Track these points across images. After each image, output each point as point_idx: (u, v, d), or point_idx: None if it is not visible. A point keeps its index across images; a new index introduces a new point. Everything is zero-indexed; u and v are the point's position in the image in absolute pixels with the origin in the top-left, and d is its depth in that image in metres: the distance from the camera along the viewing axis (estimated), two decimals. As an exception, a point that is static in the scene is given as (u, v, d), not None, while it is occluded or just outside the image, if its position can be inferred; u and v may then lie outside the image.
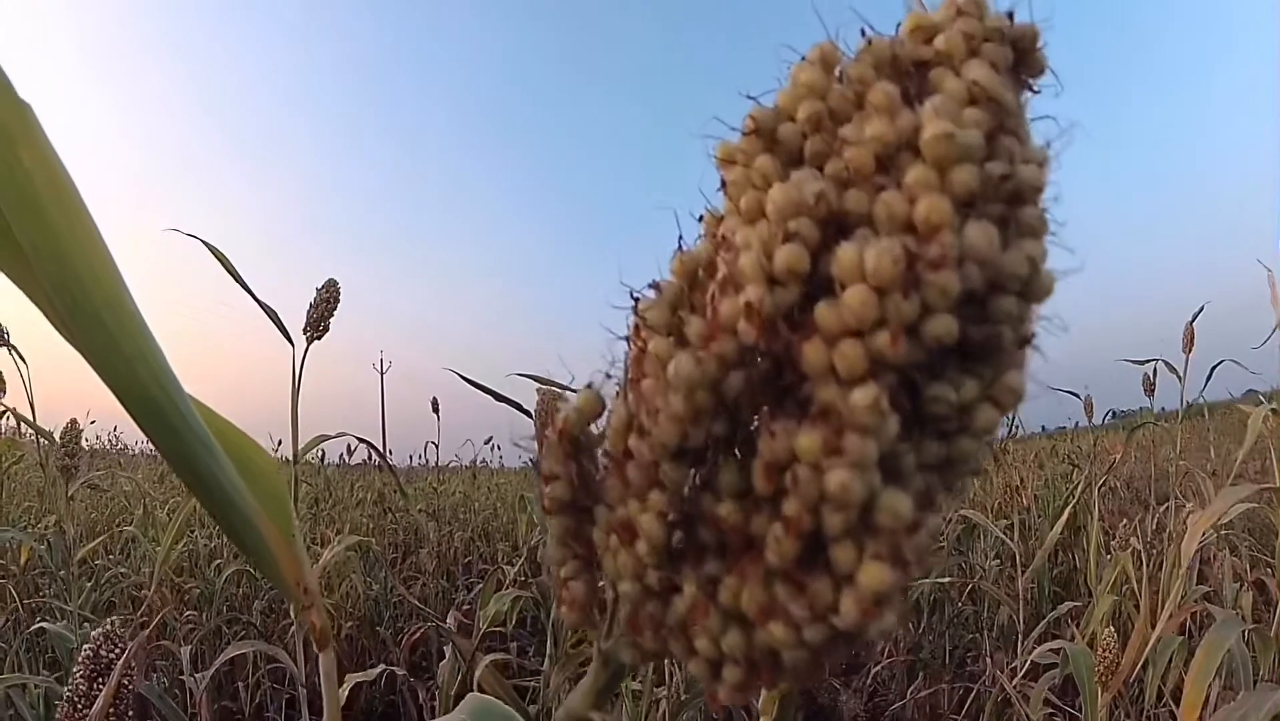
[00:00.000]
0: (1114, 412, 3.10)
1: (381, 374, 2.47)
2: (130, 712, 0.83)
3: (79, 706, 0.79)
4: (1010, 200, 0.17)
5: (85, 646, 0.82)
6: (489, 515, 3.44)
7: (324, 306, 1.81)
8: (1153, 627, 1.71)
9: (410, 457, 4.47)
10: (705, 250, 0.20)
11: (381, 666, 1.87)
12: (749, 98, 0.20)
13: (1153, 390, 2.57)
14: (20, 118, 0.29)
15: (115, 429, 5.35)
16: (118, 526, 2.71)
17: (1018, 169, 0.18)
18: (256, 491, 0.37)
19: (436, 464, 3.26)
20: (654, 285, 0.20)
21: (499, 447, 4.65)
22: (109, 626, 0.85)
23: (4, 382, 3.06)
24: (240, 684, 2.37)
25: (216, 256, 1.70)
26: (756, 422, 0.17)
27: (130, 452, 5.39)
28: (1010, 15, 0.20)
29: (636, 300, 0.20)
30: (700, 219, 0.22)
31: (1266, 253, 1.81)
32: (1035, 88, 0.20)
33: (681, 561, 0.18)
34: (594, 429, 0.20)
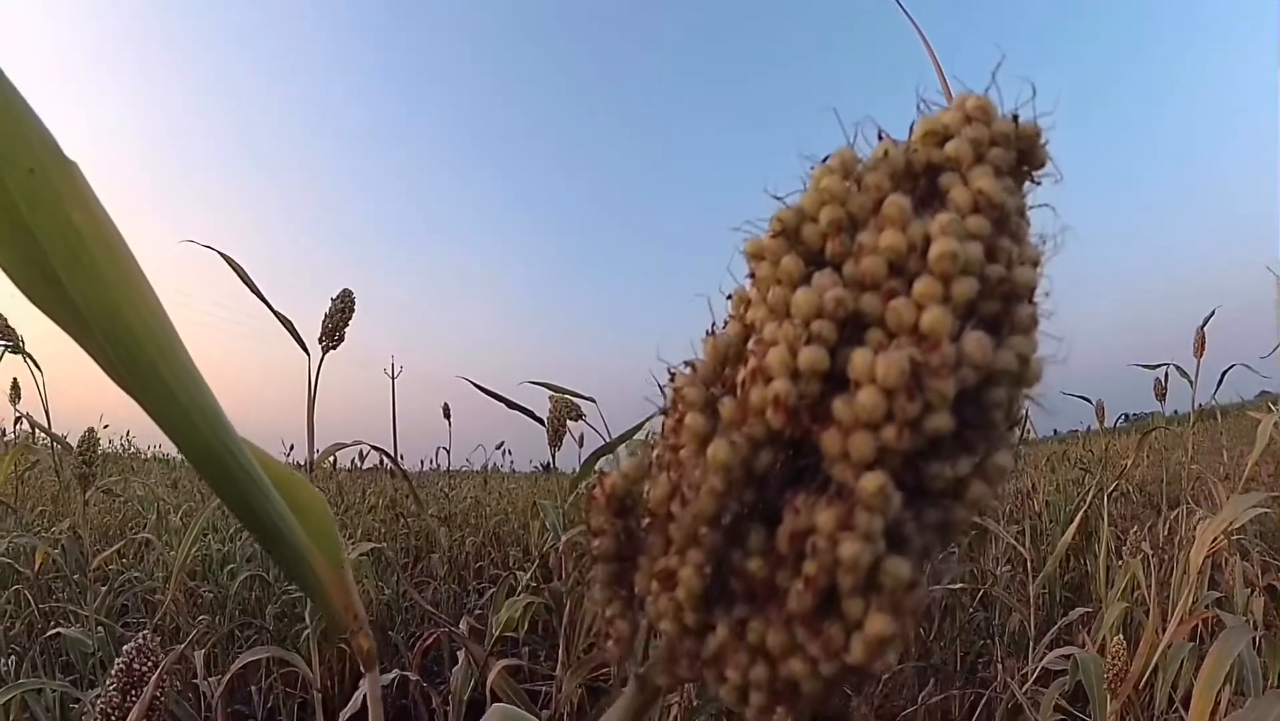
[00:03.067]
0: (1126, 416, 3.12)
1: (393, 379, 2.49)
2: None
3: (112, 717, 0.81)
4: (1006, 299, 0.21)
5: (118, 660, 0.83)
6: (500, 520, 3.48)
7: (339, 316, 1.85)
8: (1162, 634, 1.74)
9: (422, 462, 4.52)
10: (733, 331, 0.23)
11: (395, 672, 1.91)
12: (775, 198, 0.23)
13: (1164, 394, 2.58)
14: (68, 177, 0.31)
15: (128, 434, 5.42)
16: (132, 532, 2.74)
17: (1014, 271, 0.21)
18: (306, 525, 0.40)
19: (448, 469, 3.30)
20: (689, 364, 0.23)
21: (510, 453, 4.71)
22: (142, 640, 0.87)
23: (19, 390, 3.11)
24: (253, 687, 2.40)
25: (233, 267, 1.73)
26: (781, 496, 0.20)
27: (143, 457, 5.45)
28: (1015, 118, 0.23)
29: (673, 374, 0.23)
30: (729, 297, 0.25)
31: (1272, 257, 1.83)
32: (1037, 179, 0.23)
33: (715, 606, 0.21)
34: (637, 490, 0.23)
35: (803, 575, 0.19)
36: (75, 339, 0.33)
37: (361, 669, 0.44)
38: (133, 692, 0.81)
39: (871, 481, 0.18)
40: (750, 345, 0.21)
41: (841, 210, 0.22)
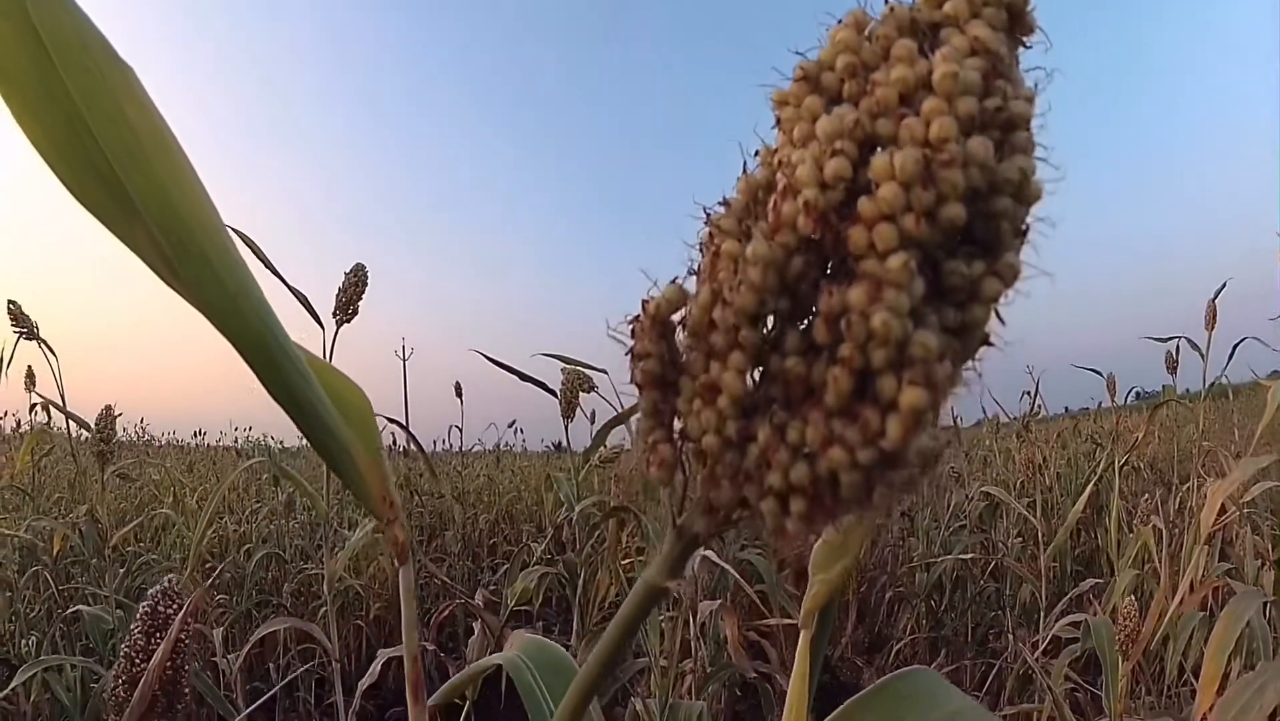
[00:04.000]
0: (1138, 394, 3.12)
1: (404, 360, 2.53)
2: (186, 667, 0.86)
3: (136, 661, 0.80)
4: (1004, 127, 0.23)
5: (143, 603, 0.82)
6: (513, 498, 3.51)
7: (352, 290, 1.87)
8: (1173, 598, 1.75)
9: (435, 443, 4.56)
10: (763, 174, 0.25)
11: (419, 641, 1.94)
12: (796, 53, 0.26)
13: (1175, 368, 2.59)
14: (124, 78, 0.33)
15: (142, 421, 5.47)
16: (149, 514, 2.77)
17: (1010, 104, 0.23)
18: (346, 416, 0.42)
19: (461, 448, 3.33)
20: (723, 201, 0.25)
21: (521, 432, 4.75)
22: (166, 583, 0.88)
23: (34, 377, 3.14)
24: (271, 664, 2.44)
25: (245, 242, 1.75)
26: (813, 302, 0.22)
27: (157, 444, 5.50)
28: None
29: (709, 214, 0.26)
30: (756, 153, 0.27)
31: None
32: (1027, 43, 0.26)
33: (755, 415, 0.23)
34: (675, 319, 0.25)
35: (839, 359, 0.21)
36: (124, 238, 0.34)
37: (395, 562, 0.46)
38: (157, 635, 0.82)
39: (896, 259, 0.20)
40: (779, 174, 0.23)
41: (856, 57, 0.24)
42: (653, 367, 0.25)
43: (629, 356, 0.26)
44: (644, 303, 0.25)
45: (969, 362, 0.24)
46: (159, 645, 0.80)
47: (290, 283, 1.80)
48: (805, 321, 0.23)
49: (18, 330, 2.48)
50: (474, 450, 3.87)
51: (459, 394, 3.05)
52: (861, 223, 0.21)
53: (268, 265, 1.75)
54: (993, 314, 0.23)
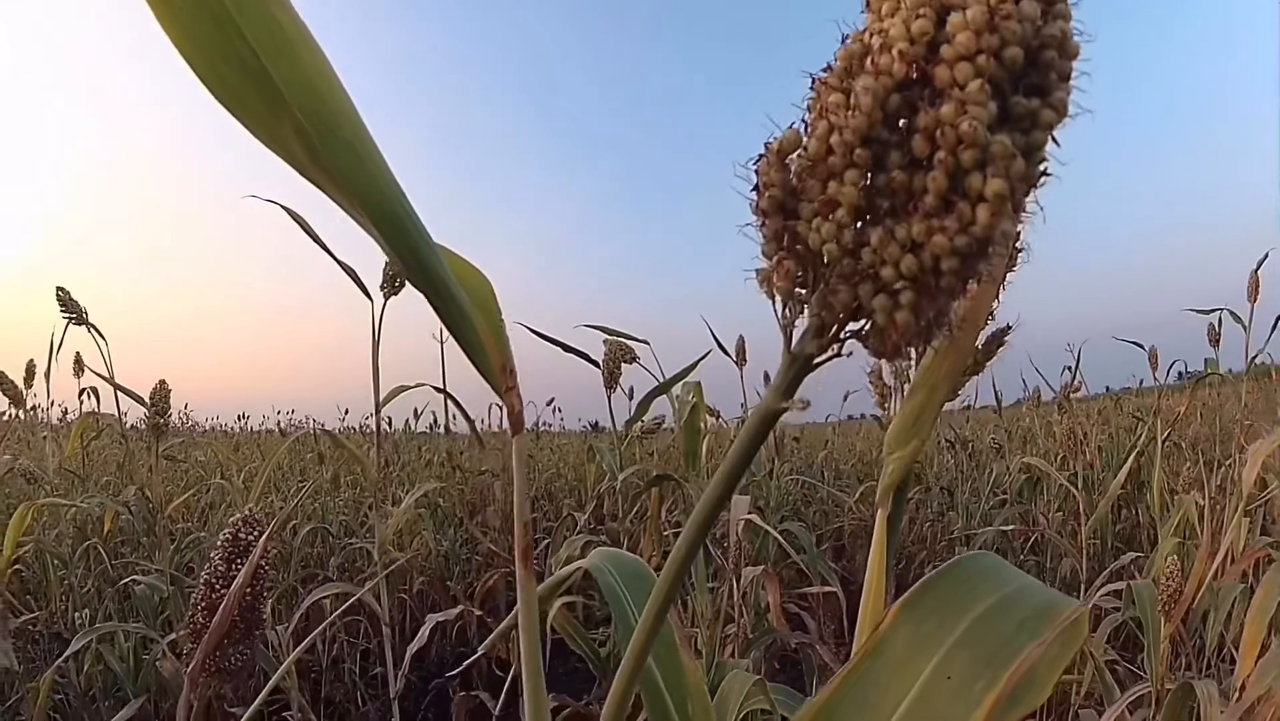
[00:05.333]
0: (1180, 374, 3.15)
1: (441, 343, 2.61)
2: (264, 593, 0.91)
3: (216, 586, 0.85)
4: (1047, 3, 0.30)
5: (224, 531, 0.87)
6: (552, 475, 3.60)
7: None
8: (1213, 560, 1.79)
9: (474, 424, 4.65)
10: (856, 46, 0.32)
11: (460, 607, 2.03)
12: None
13: (1218, 341, 2.61)
14: None
15: (185, 406, 5.62)
16: (202, 486, 2.87)
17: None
18: (469, 292, 0.47)
19: (501, 426, 3.42)
20: (825, 68, 0.32)
21: (560, 410, 4.84)
22: (248, 512, 0.93)
23: (82, 363, 3.25)
24: (319, 640, 2.54)
25: (295, 220, 1.84)
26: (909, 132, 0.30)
27: (200, 429, 5.65)
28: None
29: (814, 77, 0.33)
30: (845, 37, 0.34)
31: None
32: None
33: (867, 226, 0.30)
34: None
35: (936, 163, 0.28)
36: (267, 130, 0.40)
37: (510, 432, 0.51)
38: (238, 561, 0.85)
39: (974, 84, 0.27)
40: (872, 40, 0.31)
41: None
42: (777, 194, 0.32)
43: (754, 192, 0.33)
44: (767, 144, 0.33)
45: (1033, 187, 0.31)
46: (239, 571, 0.85)
47: (339, 257, 1.89)
48: (903, 149, 0.30)
49: (67, 316, 2.59)
50: (511, 428, 3.94)
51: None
52: (944, 63, 0.28)
53: (317, 241, 1.83)
54: (1050, 140, 0.30)
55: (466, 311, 0.46)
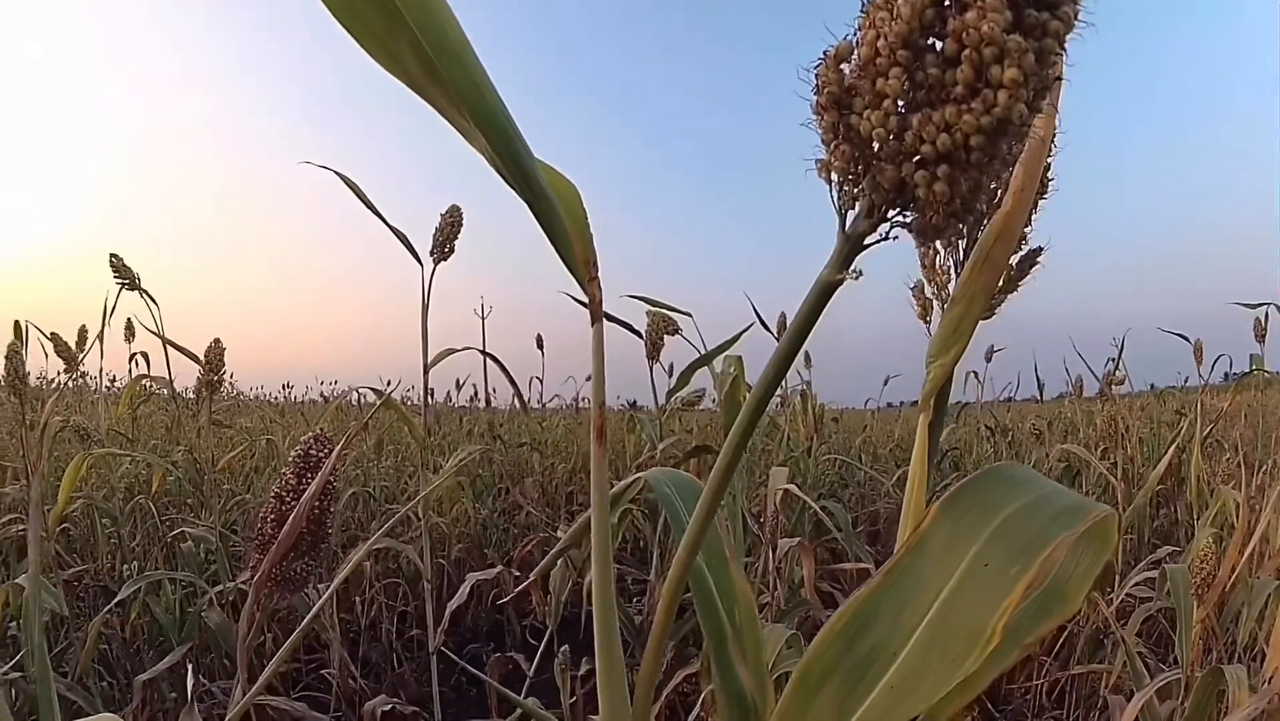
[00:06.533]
0: (1225, 374, 3.14)
1: (483, 319, 2.69)
2: (331, 508, 0.92)
3: (286, 499, 0.88)
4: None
5: (296, 447, 0.90)
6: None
7: (448, 230, 2.03)
8: (1248, 544, 1.81)
9: (512, 397, 4.74)
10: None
11: (499, 568, 2.11)
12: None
13: (1264, 335, 2.62)
14: None
15: (231, 375, 5.75)
16: (242, 456, 2.97)
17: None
18: (558, 194, 0.53)
19: (541, 400, 3.51)
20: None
21: None
22: (319, 430, 0.99)
23: (133, 329, 3.37)
24: (357, 597, 2.64)
25: (350, 186, 1.92)
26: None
27: (245, 399, 5.80)
28: None
29: (864, 2, 0.39)
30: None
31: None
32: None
33: (908, 114, 0.37)
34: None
35: (963, 59, 0.34)
36: (379, 48, 0.46)
37: (591, 321, 0.56)
38: (308, 475, 0.88)
39: (995, -2, 0.34)
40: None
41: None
42: (834, 90, 0.38)
43: (814, 92, 0.39)
44: (825, 51, 0.39)
45: (1046, 87, 0.37)
46: (308, 485, 0.87)
47: (391, 223, 1.96)
48: (936, 50, 0.36)
49: (120, 281, 2.69)
50: (552, 404, 4.05)
51: (540, 346, 3.23)
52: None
53: (371, 208, 1.91)
54: (1059, 47, 0.36)
55: (557, 210, 0.52)
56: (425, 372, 1.95)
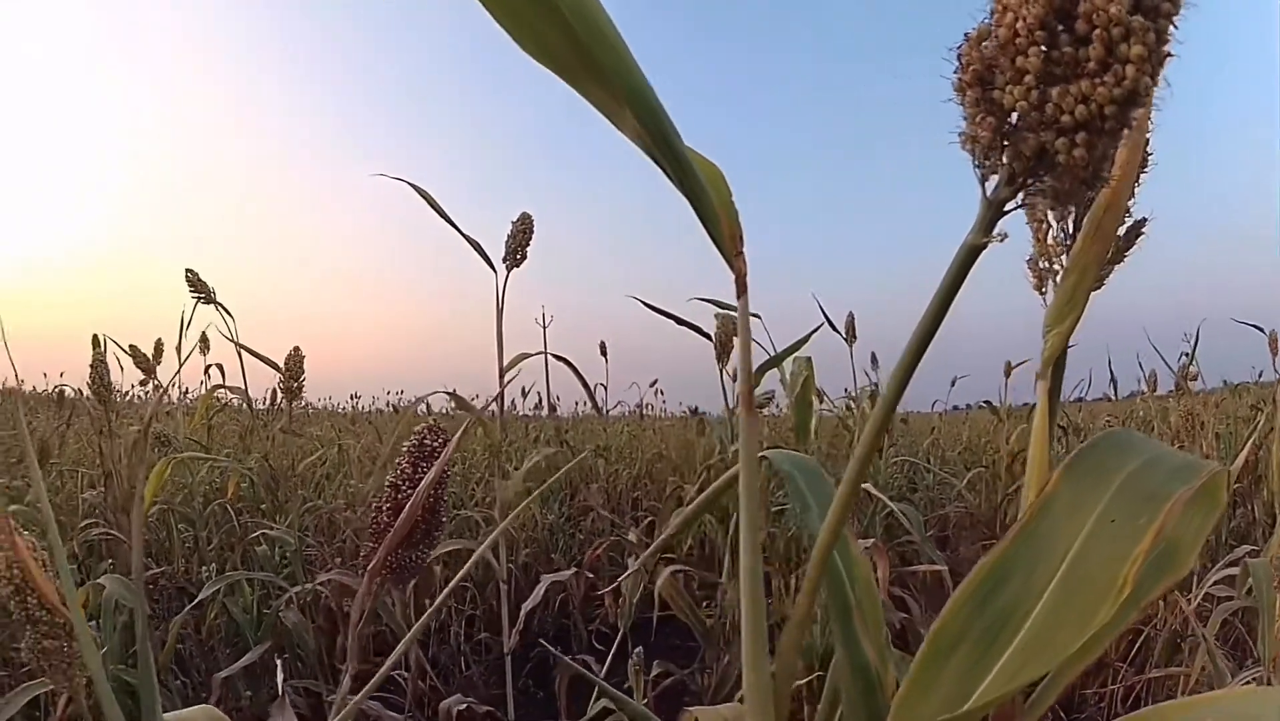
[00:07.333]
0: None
1: (544, 327, 2.75)
2: (445, 498, 1.00)
3: (401, 488, 0.88)
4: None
5: (411, 436, 0.90)
6: (654, 456, 3.73)
7: (520, 237, 2.10)
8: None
9: (576, 405, 4.81)
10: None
11: (573, 569, 2.16)
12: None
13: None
14: None
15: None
16: (321, 455, 3.07)
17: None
18: (702, 170, 0.56)
19: (605, 406, 3.55)
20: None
21: (662, 393, 4.97)
22: (432, 420, 1.03)
23: (208, 341, 3.49)
24: (425, 600, 2.70)
25: (424, 197, 2.00)
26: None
27: (312, 409, 5.96)
28: None
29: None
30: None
31: None
32: None
33: (1047, 87, 0.41)
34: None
35: (1094, 38, 0.39)
36: (528, 34, 0.49)
37: (736, 294, 0.58)
38: (423, 465, 0.88)
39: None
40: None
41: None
42: (978, 67, 0.43)
43: (956, 72, 0.44)
44: (966, 33, 0.44)
45: (1161, 62, 0.41)
46: (423, 474, 0.88)
47: (466, 233, 2.04)
48: (1068, 30, 0.41)
49: (195, 295, 2.80)
50: (615, 411, 4.11)
51: (603, 352, 3.28)
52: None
53: (446, 218, 1.98)
54: (1172, 24, 0.40)
55: (705, 187, 0.55)
56: (501, 378, 2.02)
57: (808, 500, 0.80)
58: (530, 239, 2.10)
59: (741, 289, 0.60)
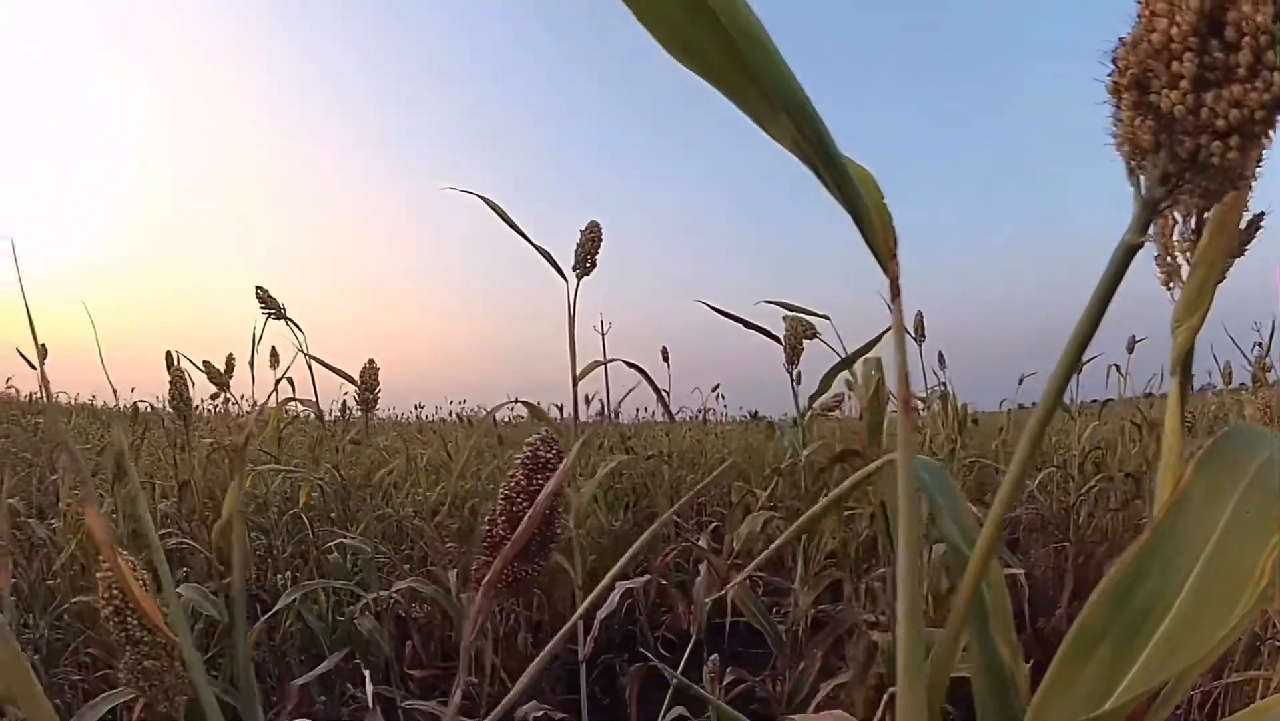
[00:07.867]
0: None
1: (603, 335, 2.79)
2: (559, 511, 1.02)
3: (516, 500, 0.96)
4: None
5: (524, 449, 1.01)
6: (718, 460, 3.73)
7: (589, 245, 2.12)
8: None
9: (637, 411, 4.84)
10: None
11: (646, 577, 2.18)
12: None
13: None
14: None
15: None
16: (389, 467, 3.15)
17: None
18: (857, 176, 0.54)
19: (668, 413, 3.58)
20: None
21: (723, 398, 4.97)
22: (544, 432, 1.06)
23: (278, 356, 3.57)
24: (496, 608, 2.75)
25: (494, 209, 2.03)
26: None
27: (376, 419, 6.06)
28: None
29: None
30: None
31: None
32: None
33: (1201, 92, 0.43)
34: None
35: (1244, 46, 0.41)
36: (673, 35, 0.48)
37: (890, 298, 0.56)
38: (537, 477, 0.86)
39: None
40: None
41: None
42: (1135, 71, 0.45)
43: (1112, 77, 0.46)
44: (1119, 39, 0.46)
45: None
46: (540, 485, 0.97)
47: (536, 243, 2.07)
48: (1218, 36, 0.43)
49: (266, 311, 2.88)
50: (677, 415, 4.13)
51: (665, 358, 3.30)
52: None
53: (516, 229, 2.01)
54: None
55: (860, 192, 0.54)
56: (575, 385, 2.05)
57: (937, 497, 0.81)
58: (599, 246, 2.12)
59: (895, 292, 0.59)
